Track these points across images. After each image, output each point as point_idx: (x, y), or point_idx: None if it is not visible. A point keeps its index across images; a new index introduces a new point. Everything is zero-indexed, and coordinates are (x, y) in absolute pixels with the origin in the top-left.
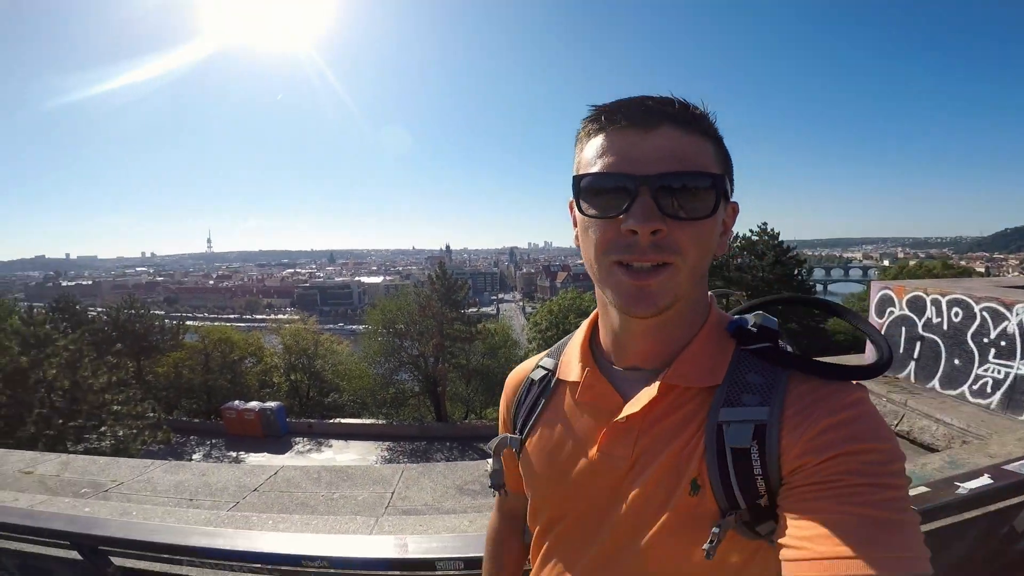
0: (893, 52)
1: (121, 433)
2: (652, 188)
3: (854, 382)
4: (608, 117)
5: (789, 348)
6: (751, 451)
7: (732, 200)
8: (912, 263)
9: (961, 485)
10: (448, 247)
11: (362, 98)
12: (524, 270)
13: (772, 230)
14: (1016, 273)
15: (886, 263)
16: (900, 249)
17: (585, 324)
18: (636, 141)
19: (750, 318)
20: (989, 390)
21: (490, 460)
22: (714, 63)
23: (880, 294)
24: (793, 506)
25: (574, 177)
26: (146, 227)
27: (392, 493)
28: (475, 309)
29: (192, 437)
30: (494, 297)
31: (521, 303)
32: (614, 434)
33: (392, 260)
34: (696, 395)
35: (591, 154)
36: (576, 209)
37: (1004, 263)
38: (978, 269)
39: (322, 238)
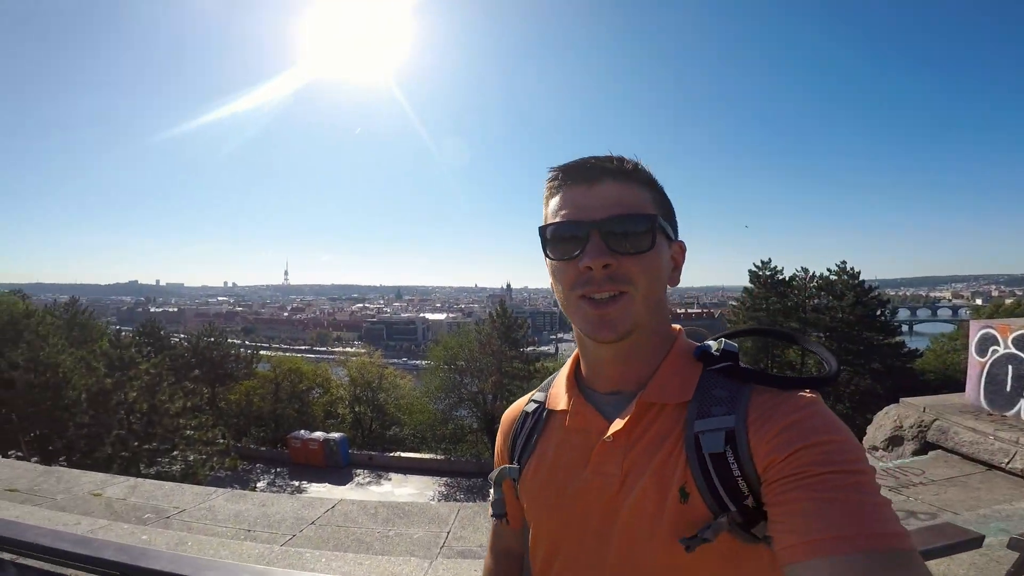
0: (984, 78)
1: (192, 458)
2: (600, 231)
3: (807, 391)
4: (562, 177)
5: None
6: (726, 455)
7: (679, 240)
8: (1009, 301)
9: None
10: (509, 285)
11: (435, 133)
12: None
13: (852, 269)
14: None
15: (978, 301)
16: (994, 287)
17: (570, 359)
18: (584, 194)
19: (712, 344)
20: None
21: (491, 491)
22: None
23: (981, 333)
24: (772, 500)
25: (540, 228)
26: (230, 257)
27: (448, 533)
28: (534, 348)
29: (258, 464)
30: (553, 336)
31: None
32: (603, 453)
33: (456, 297)
34: (672, 411)
35: (551, 209)
36: (546, 257)
37: None
38: None
39: (390, 274)
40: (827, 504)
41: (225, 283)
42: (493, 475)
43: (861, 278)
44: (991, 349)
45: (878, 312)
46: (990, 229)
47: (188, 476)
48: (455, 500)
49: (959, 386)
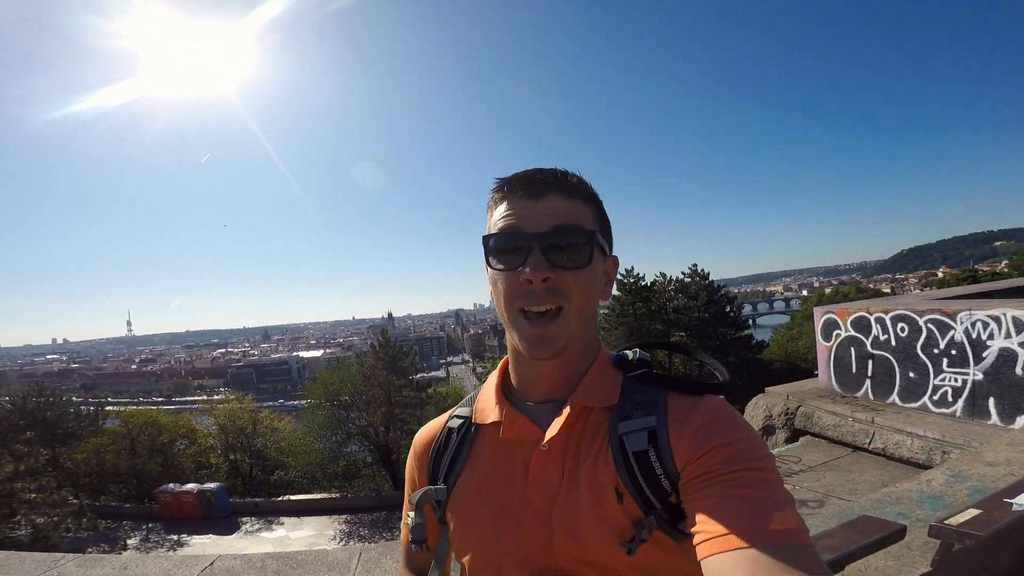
0: (792, 82)
1: (40, 521)
2: (542, 244)
3: (714, 395)
4: (508, 188)
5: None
6: (649, 453)
7: (613, 255)
8: (828, 291)
9: (1013, 501)
10: (390, 314)
11: (293, 161)
12: (471, 331)
13: (702, 270)
14: (917, 291)
15: (805, 293)
16: (815, 278)
17: (495, 371)
18: (529, 206)
19: (629, 353)
20: (950, 398)
21: (410, 515)
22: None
23: (824, 319)
24: (687, 498)
25: (483, 237)
26: (57, 311)
27: None
28: (424, 374)
29: (126, 522)
30: (443, 361)
31: (472, 364)
32: (542, 462)
33: (332, 332)
34: (598, 415)
35: (496, 219)
36: (487, 266)
37: (906, 282)
38: (884, 290)
39: (255, 315)
40: (736, 501)
41: (54, 340)
42: (415, 497)
43: (710, 278)
44: (834, 333)
45: (727, 309)
46: (811, 225)
47: (40, 540)
48: (358, 537)
49: (802, 372)
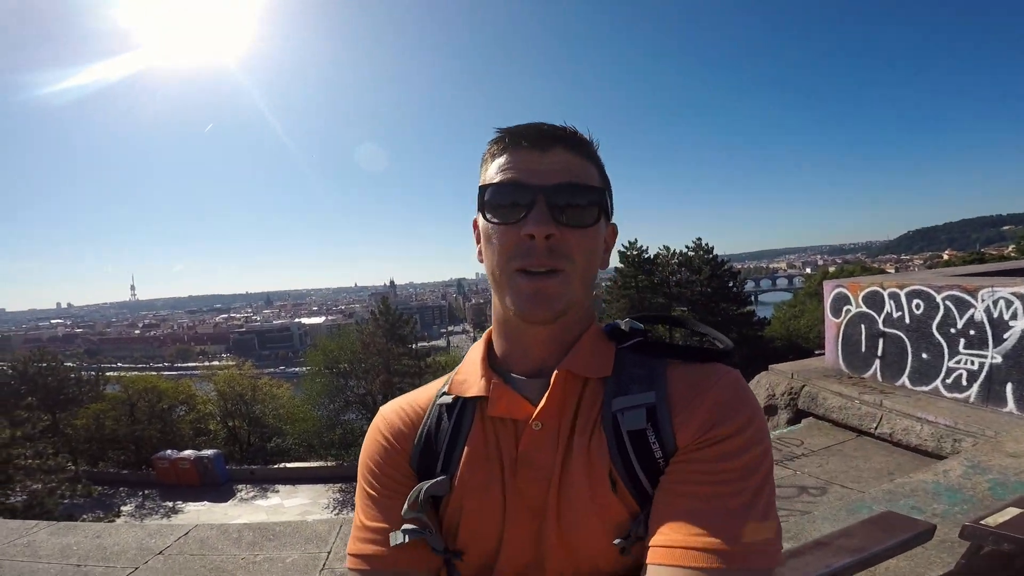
0: (798, 63)
1: (36, 488)
2: (547, 197)
3: (723, 364)
4: (511, 138)
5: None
6: (647, 433)
7: (612, 223)
8: (832, 269)
9: None
10: (392, 282)
11: (296, 130)
12: (473, 301)
13: (706, 245)
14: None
15: (808, 271)
16: (819, 256)
17: (480, 342)
18: (535, 158)
19: (621, 323)
20: (965, 383)
21: (411, 516)
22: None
23: (834, 293)
24: (660, 488)
25: (480, 187)
26: (62, 275)
27: (328, 553)
28: (424, 343)
29: (122, 489)
30: (443, 330)
31: (472, 333)
32: (533, 442)
33: (334, 299)
34: (594, 389)
35: (495, 169)
36: (481, 218)
37: (911, 264)
38: (888, 270)
39: (258, 280)
40: (706, 508)
41: (58, 304)
42: (419, 495)
43: (714, 253)
44: (844, 309)
45: (730, 284)
46: (816, 203)
47: (34, 507)
48: (351, 506)
49: (803, 351)
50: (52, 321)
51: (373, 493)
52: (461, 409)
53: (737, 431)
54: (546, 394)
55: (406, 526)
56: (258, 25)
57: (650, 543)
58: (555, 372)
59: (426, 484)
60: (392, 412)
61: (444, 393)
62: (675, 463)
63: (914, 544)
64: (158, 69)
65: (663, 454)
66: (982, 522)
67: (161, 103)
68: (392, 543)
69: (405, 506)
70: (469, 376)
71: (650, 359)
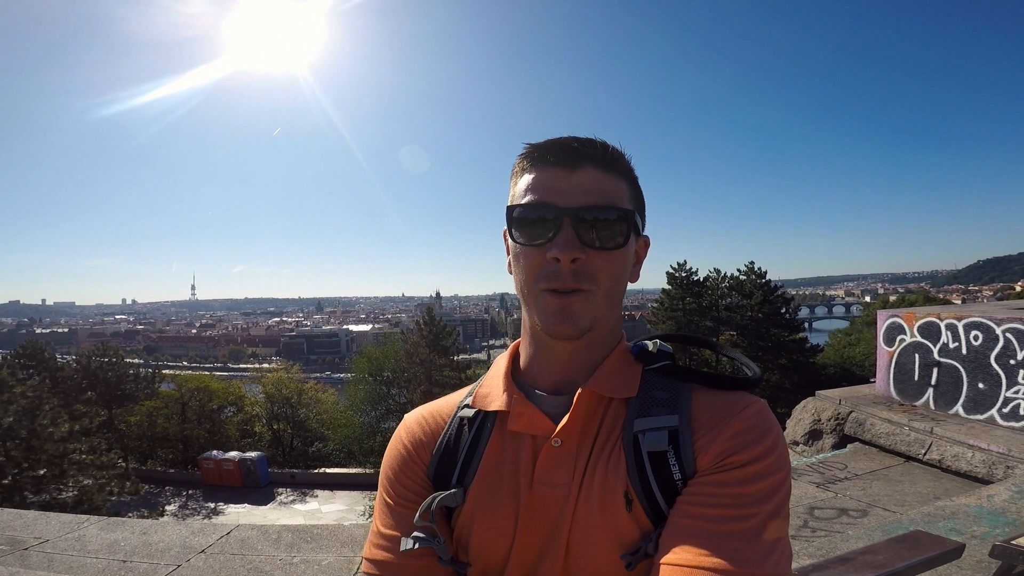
0: (868, 84)
1: (87, 483)
2: (573, 219)
3: (748, 393)
4: (539, 155)
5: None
6: (668, 455)
7: (644, 235)
8: (893, 298)
9: None
10: (438, 294)
11: (358, 138)
12: (515, 316)
13: (759, 269)
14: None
15: (867, 299)
16: (880, 285)
17: (506, 353)
18: (562, 178)
19: (649, 344)
20: (1023, 412)
21: (422, 523)
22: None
23: (888, 323)
24: (676, 507)
25: (508, 207)
26: (128, 273)
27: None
28: (465, 355)
29: (168, 488)
30: (485, 344)
31: None
32: (551, 460)
33: (381, 308)
34: (615, 408)
35: (523, 187)
36: (508, 237)
37: (979, 295)
38: (955, 301)
39: (310, 286)
40: (717, 530)
41: (123, 300)
42: (432, 504)
43: (767, 277)
44: (898, 338)
45: (783, 310)
46: (878, 231)
47: (83, 502)
48: None
49: (857, 379)
50: (116, 317)
51: (390, 501)
52: (481, 422)
53: (757, 458)
54: (569, 412)
55: (416, 534)
56: (326, 33)
57: (659, 561)
58: (579, 391)
59: (440, 495)
60: (414, 421)
61: (466, 405)
62: (692, 484)
63: (940, 562)
64: (231, 76)
65: (682, 476)
66: (1014, 542)
67: (231, 111)
68: (400, 549)
69: (416, 515)
70: (492, 389)
71: (675, 383)
